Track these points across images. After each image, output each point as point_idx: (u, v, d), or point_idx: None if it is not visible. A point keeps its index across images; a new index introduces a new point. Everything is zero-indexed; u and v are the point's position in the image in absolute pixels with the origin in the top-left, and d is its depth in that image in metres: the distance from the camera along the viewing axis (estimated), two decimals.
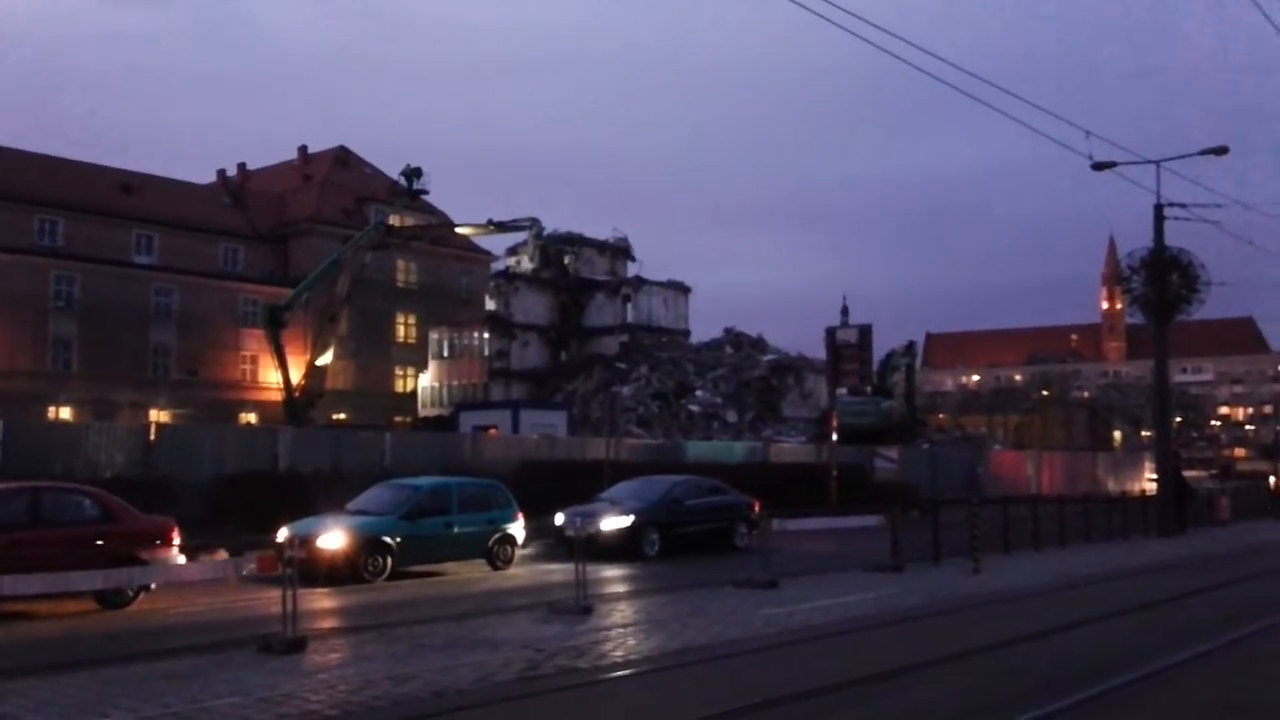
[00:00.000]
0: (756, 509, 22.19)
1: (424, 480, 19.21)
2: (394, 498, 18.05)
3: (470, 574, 17.95)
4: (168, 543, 13.94)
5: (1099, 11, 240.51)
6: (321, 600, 14.50)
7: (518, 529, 19.02)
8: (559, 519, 20.69)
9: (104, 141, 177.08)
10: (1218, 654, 10.82)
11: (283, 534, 15.92)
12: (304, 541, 14.70)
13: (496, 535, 18.51)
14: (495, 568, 18.35)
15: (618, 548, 19.79)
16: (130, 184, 59.31)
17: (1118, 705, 8.38)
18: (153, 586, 13.59)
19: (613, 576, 17.41)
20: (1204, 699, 8.73)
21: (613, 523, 20.14)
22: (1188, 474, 35.38)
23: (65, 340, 52.98)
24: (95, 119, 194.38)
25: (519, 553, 19.35)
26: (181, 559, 13.87)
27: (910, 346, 62.61)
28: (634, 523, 20.37)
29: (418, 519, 17.48)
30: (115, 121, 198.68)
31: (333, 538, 16.38)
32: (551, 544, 20.94)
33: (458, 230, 51.85)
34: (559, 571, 17.07)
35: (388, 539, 16.87)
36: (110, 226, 55.88)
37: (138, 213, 57.55)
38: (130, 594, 13.43)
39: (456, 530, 18.00)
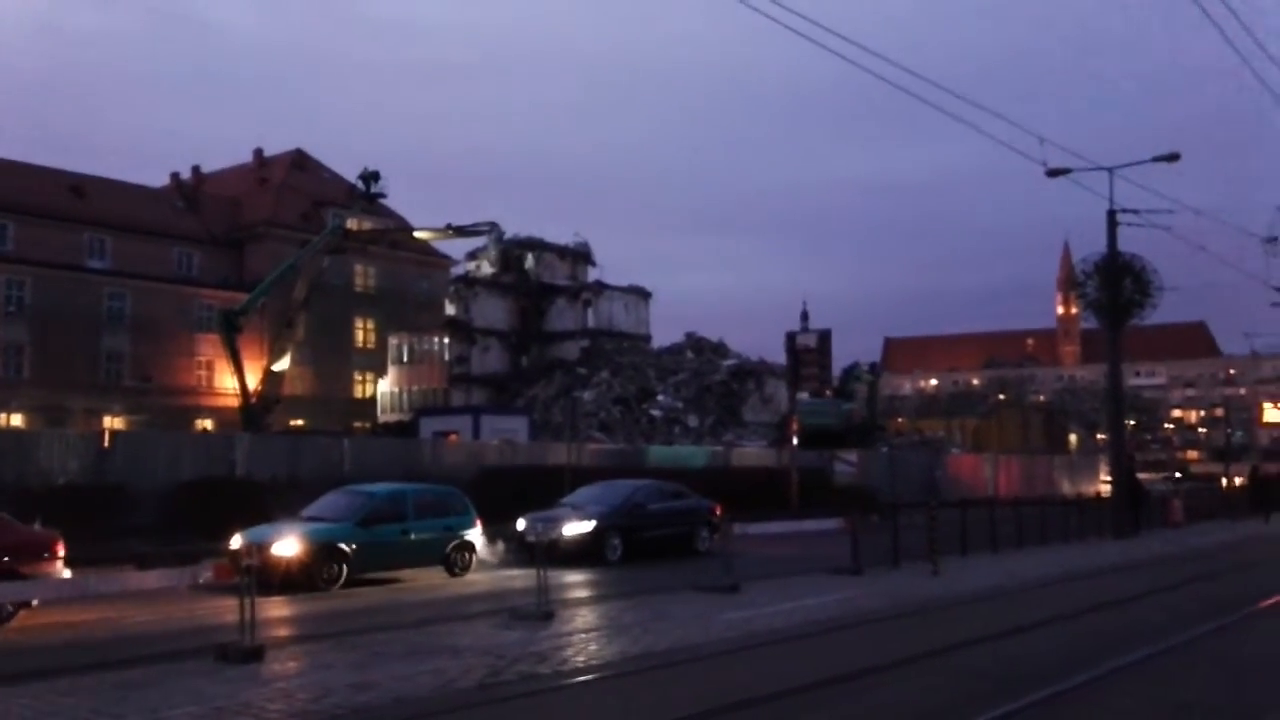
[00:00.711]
0: (718, 513, 22.28)
1: (380, 487, 18.99)
2: (349, 504, 17.79)
3: (429, 580, 17.83)
4: (53, 556, 13.23)
5: (1052, 20, 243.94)
6: (277, 608, 14.32)
7: (476, 535, 18.86)
8: (520, 524, 20.62)
9: (53, 143, 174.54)
10: (1170, 654, 10.98)
11: (237, 541, 15.68)
12: (258, 549, 14.41)
13: (454, 542, 18.36)
14: (453, 574, 18.20)
15: (580, 553, 19.74)
16: (82, 187, 58.41)
17: (1073, 705, 8.49)
18: (34, 603, 12.67)
19: (574, 582, 17.35)
20: (1156, 699, 8.86)
21: (574, 528, 20.09)
22: (1141, 476, 35.85)
23: (16, 346, 52.10)
24: (44, 120, 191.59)
25: (479, 559, 19.20)
26: (67, 573, 13.02)
27: (874, 367, 63.91)
28: (596, 528, 20.26)
29: (373, 526, 17.21)
30: (65, 123, 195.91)
31: (287, 545, 16.07)
32: (514, 550, 20.84)
33: (416, 234, 51.60)
34: (520, 577, 16.98)
35: (343, 546, 16.62)
36: (62, 230, 54.96)
37: (90, 216, 56.68)
38: (10, 609, 12.57)
39: (413, 537, 17.78)
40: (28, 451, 21.23)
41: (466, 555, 18.59)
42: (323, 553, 16.30)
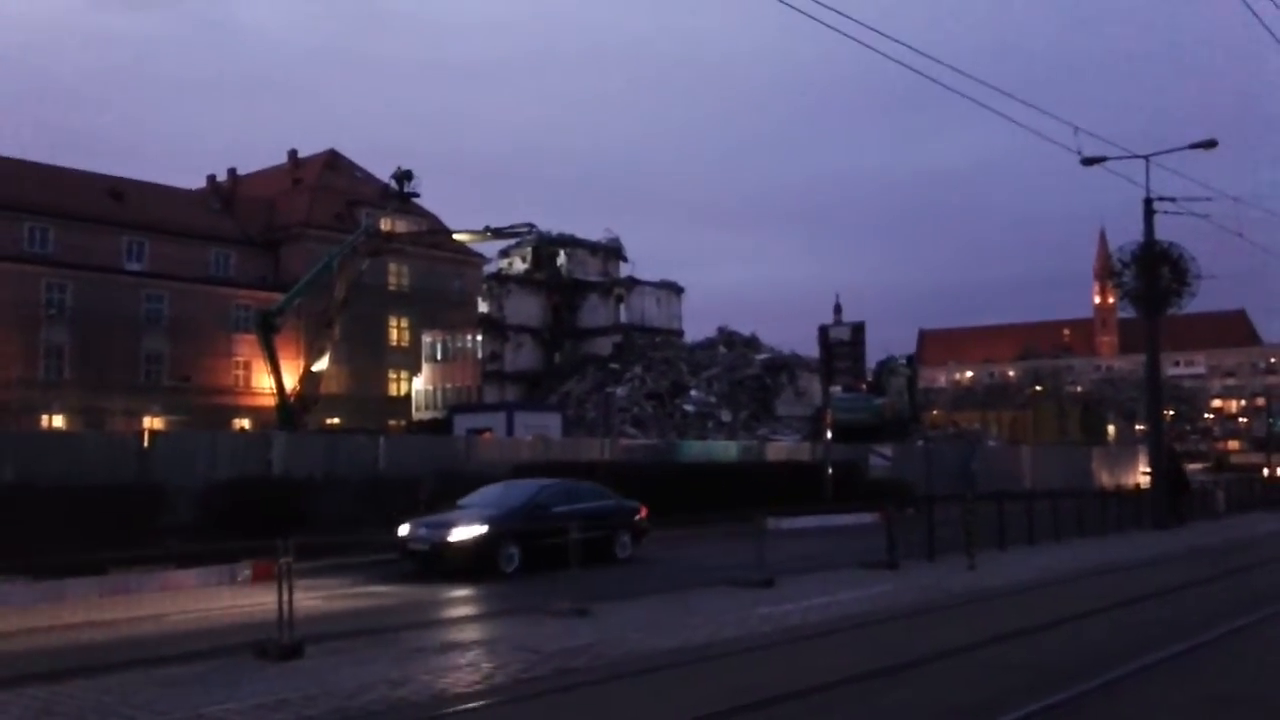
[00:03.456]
0: (644, 515, 21.06)
1: None
2: None
3: None
4: None
5: (1085, 5, 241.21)
6: (314, 606, 14.07)
7: None
8: (403, 530, 18.24)
9: (90, 147, 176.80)
10: (1209, 647, 10.87)
11: None
12: None
13: None
14: None
15: (469, 562, 17.33)
16: (120, 190, 59.18)
17: (1111, 698, 8.42)
18: None
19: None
20: (1195, 691, 8.78)
21: (461, 532, 17.53)
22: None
23: (57, 348, 52.87)
24: (81, 124, 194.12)
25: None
26: None
27: (910, 360, 63.53)
28: (487, 532, 17.58)
29: None
30: (102, 126, 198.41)
31: None
32: (397, 560, 18.54)
33: (455, 236, 51.91)
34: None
35: None
36: (100, 233, 55.75)
37: (128, 219, 57.44)
38: None
39: None
40: (69, 452, 21.52)
41: None
42: None
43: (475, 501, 19.48)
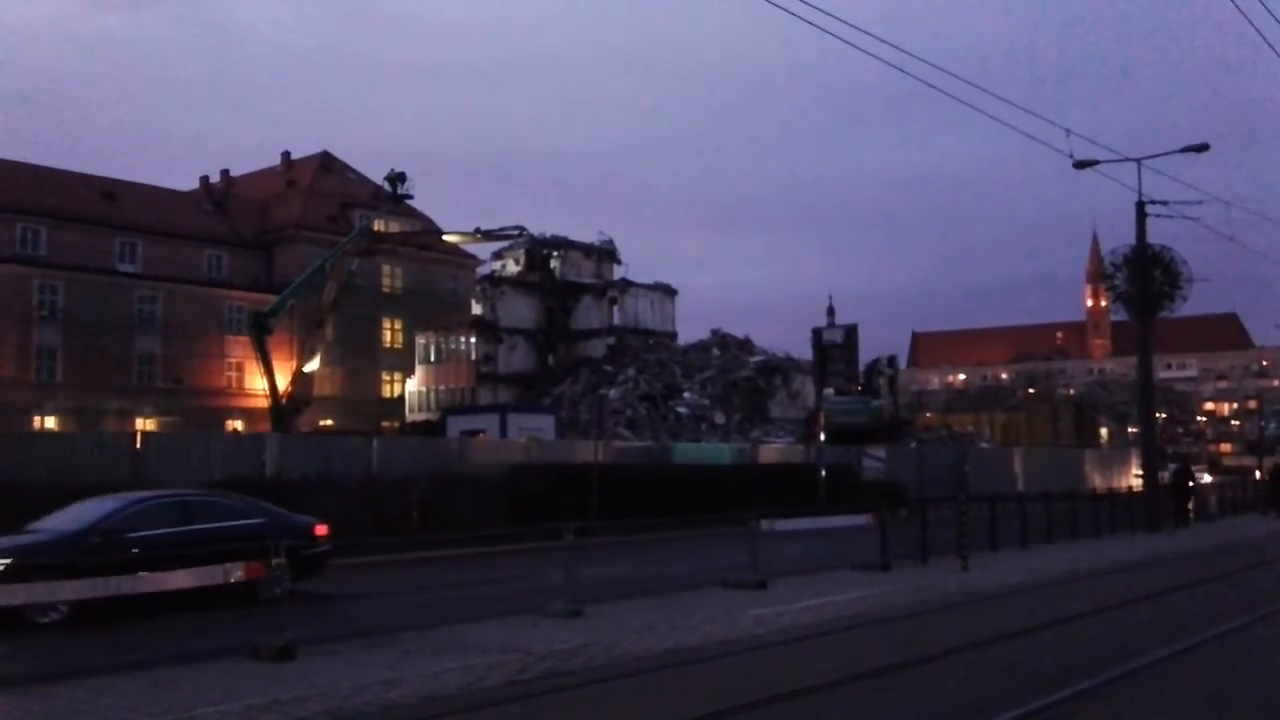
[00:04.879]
0: (319, 534, 15.69)
1: None
2: None
3: None
4: None
5: (1079, 9, 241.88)
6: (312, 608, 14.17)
7: None
8: None
9: (84, 148, 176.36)
10: (1204, 648, 10.90)
11: None
12: None
13: None
14: None
15: None
16: (113, 191, 59.10)
17: (1105, 699, 8.44)
18: None
19: None
20: (1189, 692, 8.80)
21: None
22: (1168, 471, 35.44)
23: (49, 349, 52.72)
24: (74, 125, 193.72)
25: None
26: None
27: (892, 360, 63.63)
28: (9, 568, 12.52)
29: None
30: (95, 127, 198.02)
31: None
32: None
33: (446, 238, 51.97)
34: None
35: None
36: (93, 234, 55.65)
37: (121, 220, 57.36)
38: None
39: None
40: (63, 453, 21.48)
41: None
42: None
43: (45, 524, 14.43)
